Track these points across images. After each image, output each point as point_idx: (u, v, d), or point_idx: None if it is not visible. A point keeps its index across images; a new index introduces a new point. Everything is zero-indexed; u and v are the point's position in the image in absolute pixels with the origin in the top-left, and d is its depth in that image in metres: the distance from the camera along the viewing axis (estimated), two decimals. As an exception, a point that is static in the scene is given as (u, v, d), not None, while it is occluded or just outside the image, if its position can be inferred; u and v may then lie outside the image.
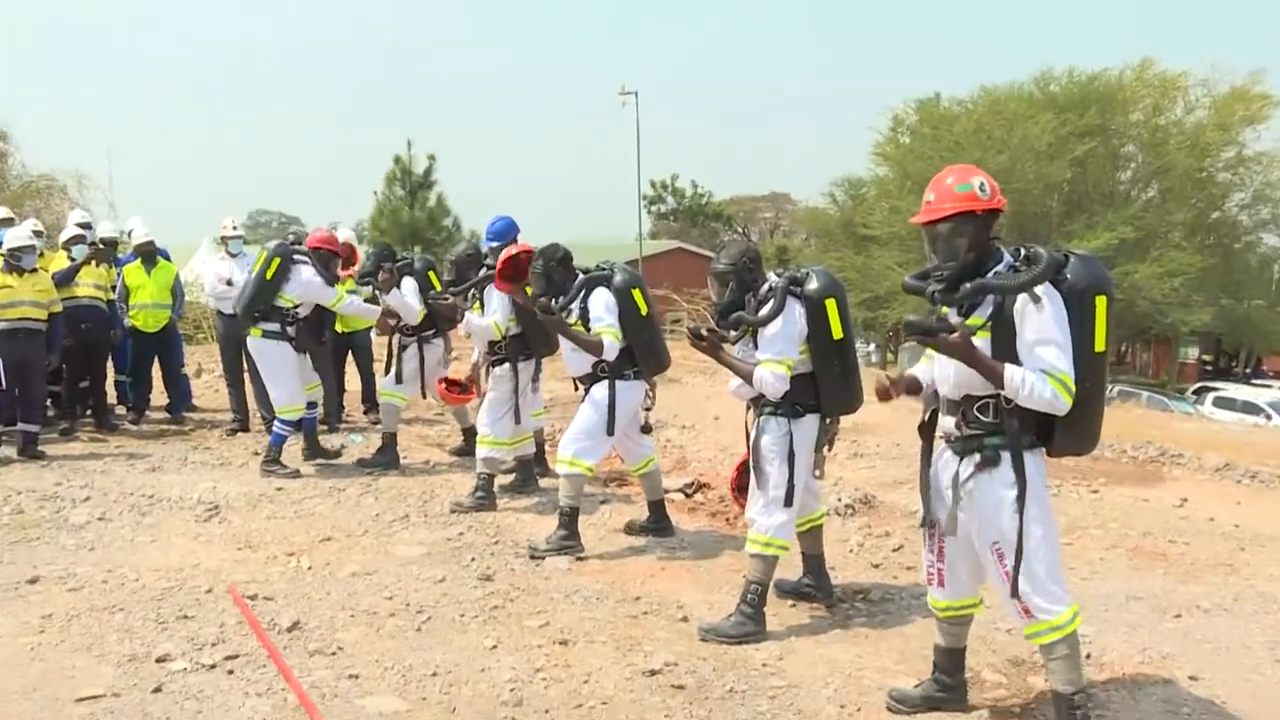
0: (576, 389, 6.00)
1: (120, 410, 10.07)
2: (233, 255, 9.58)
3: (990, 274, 3.37)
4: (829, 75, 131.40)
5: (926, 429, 3.73)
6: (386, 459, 7.94)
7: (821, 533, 5.03)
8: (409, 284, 7.79)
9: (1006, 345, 3.32)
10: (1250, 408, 21.04)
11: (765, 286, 4.59)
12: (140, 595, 4.89)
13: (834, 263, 30.07)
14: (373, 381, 10.06)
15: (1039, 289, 3.26)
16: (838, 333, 4.54)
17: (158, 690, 3.81)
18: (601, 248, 30.68)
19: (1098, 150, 27.72)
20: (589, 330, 5.65)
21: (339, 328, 9.29)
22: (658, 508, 6.19)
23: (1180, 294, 26.75)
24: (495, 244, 6.86)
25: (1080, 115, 27.59)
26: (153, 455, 8.28)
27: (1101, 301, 3.35)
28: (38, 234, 8.78)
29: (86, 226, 9.70)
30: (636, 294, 5.76)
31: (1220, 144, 28.92)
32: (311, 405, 8.00)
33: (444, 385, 7.60)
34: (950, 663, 3.82)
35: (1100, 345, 3.36)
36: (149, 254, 9.76)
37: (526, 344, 6.79)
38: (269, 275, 7.47)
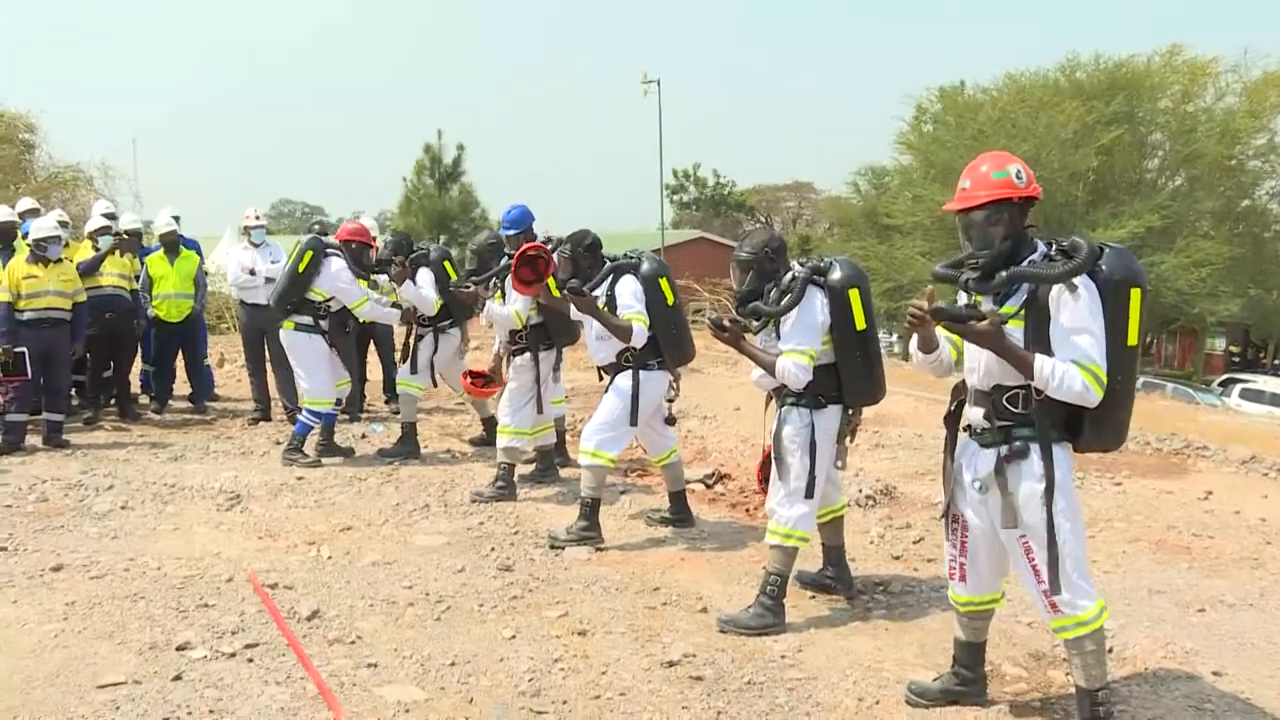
0: (601, 378, 5.99)
1: (143, 400, 10.15)
2: (255, 245, 9.62)
3: (1025, 263, 3.33)
4: (854, 63, 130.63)
5: (951, 419, 3.69)
6: (407, 448, 7.96)
7: (842, 524, 5.00)
8: (424, 275, 7.79)
9: (1040, 334, 3.28)
10: (1279, 400, 20.79)
11: (789, 276, 4.56)
12: (161, 583, 4.92)
13: (857, 252, 29.85)
14: (394, 371, 10.09)
15: (1076, 279, 3.22)
16: (861, 323, 4.50)
17: (178, 678, 3.84)
18: (625, 237, 30.66)
19: (1124, 138, 27.33)
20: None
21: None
22: (679, 498, 6.17)
23: (1208, 284, 26.35)
24: (511, 232, 6.89)
25: (1107, 103, 27.22)
26: (175, 445, 8.34)
27: (1136, 295, 3.30)
28: (63, 224, 8.85)
29: (112, 217, 9.79)
30: (664, 283, 5.74)
31: (1251, 131, 28.46)
32: (335, 402, 8.03)
33: (469, 378, 7.60)
34: (970, 657, 3.79)
35: (1133, 339, 3.31)
36: (172, 244, 9.81)
37: (547, 333, 6.78)
38: (301, 268, 7.53)
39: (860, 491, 6.70)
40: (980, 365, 3.46)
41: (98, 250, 9.03)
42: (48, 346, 8.16)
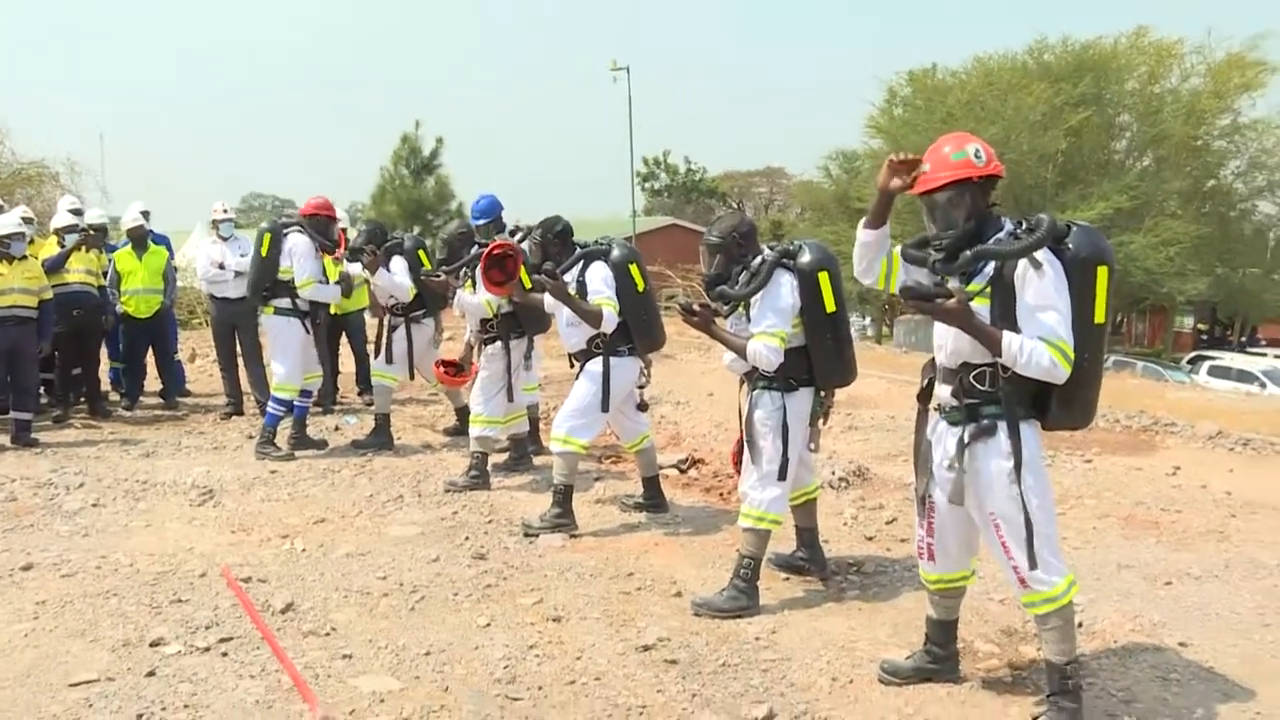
0: (572, 365, 5.99)
1: (114, 397, 10.06)
2: (224, 239, 9.52)
3: (991, 241, 3.35)
4: (823, 47, 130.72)
5: (924, 395, 3.72)
6: (380, 440, 7.94)
7: (815, 506, 5.04)
8: (399, 263, 7.79)
9: (1006, 311, 3.30)
10: (1245, 376, 21.03)
11: (758, 260, 4.58)
12: (134, 580, 4.89)
13: (828, 236, 29.86)
14: (367, 363, 10.03)
15: (1040, 255, 3.24)
16: (830, 305, 4.53)
17: (151, 674, 3.82)
18: (598, 224, 30.61)
19: (1092, 120, 27.53)
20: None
21: (333, 309, 9.26)
22: (652, 484, 6.19)
23: (1176, 263, 26.64)
24: (481, 221, 6.91)
25: (1074, 85, 27.42)
26: (146, 441, 8.27)
27: (1103, 272, 3.32)
28: (27, 221, 8.73)
29: (78, 213, 9.66)
30: (634, 269, 5.75)
31: (1216, 111, 28.74)
32: (306, 394, 7.98)
33: (440, 367, 7.60)
34: (942, 634, 3.83)
35: (1100, 317, 3.33)
36: (140, 239, 9.72)
37: (518, 322, 6.78)
38: (264, 252, 7.66)
39: (833, 473, 6.74)
40: (948, 343, 3.48)
41: (63, 246, 8.93)
42: (13, 344, 8.06)
